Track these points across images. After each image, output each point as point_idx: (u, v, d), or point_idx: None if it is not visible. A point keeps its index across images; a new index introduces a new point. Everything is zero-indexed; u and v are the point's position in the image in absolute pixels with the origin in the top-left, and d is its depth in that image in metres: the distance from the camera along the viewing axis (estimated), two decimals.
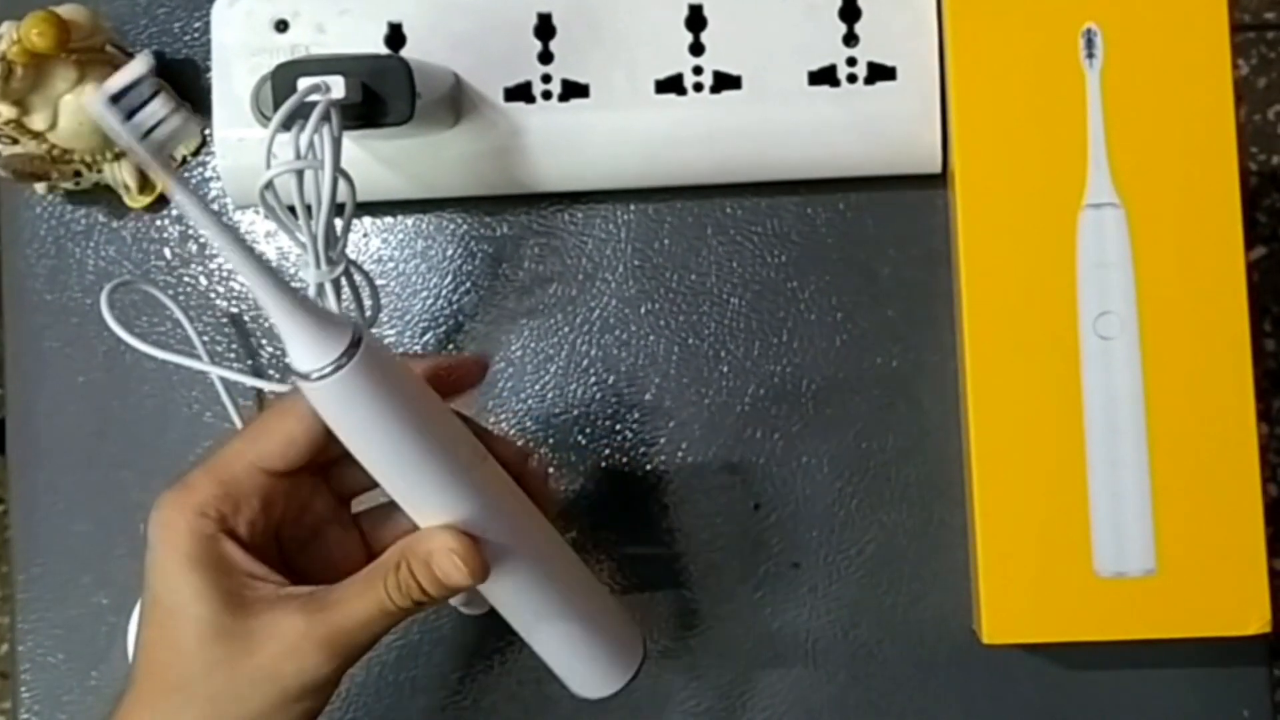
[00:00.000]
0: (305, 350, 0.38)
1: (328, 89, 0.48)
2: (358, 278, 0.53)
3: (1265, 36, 1.37)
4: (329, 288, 0.51)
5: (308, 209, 0.49)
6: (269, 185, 0.47)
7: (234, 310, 0.60)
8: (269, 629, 0.42)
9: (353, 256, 0.57)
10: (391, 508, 0.45)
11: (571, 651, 0.49)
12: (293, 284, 0.39)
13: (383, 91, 0.50)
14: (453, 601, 0.54)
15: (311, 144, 0.47)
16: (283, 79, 0.49)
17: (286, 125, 0.47)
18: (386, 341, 0.59)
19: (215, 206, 0.60)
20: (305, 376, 0.38)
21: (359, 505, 0.48)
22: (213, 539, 0.43)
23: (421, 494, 0.42)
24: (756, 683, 0.57)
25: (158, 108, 0.39)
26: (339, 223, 0.51)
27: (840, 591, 0.57)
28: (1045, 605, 0.50)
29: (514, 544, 0.44)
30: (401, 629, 0.58)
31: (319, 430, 0.42)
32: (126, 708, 0.44)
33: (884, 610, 0.56)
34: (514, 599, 0.47)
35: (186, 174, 0.60)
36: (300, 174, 0.48)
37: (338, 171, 0.48)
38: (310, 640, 0.42)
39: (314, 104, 0.47)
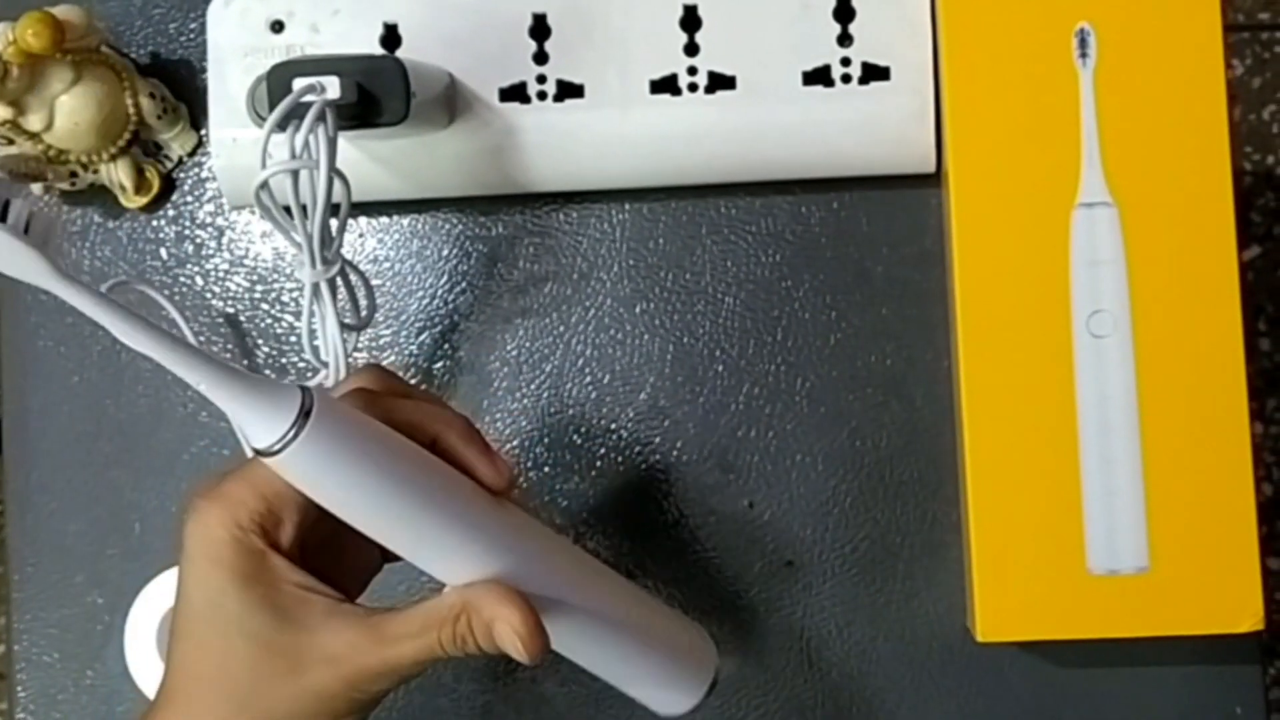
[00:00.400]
0: (258, 426, 0.38)
1: (323, 89, 0.48)
2: (353, 278, 0.54)
3: (1260, 37, 1.37)
4: (324, 287, 0.51)
5: (303, 209, 0.49)
6: (264, 185, 0.47)
7: (229, 310, 0.60)
8: (324, 648, 0.42)
9: (349, 256, 0.57)
10: None
11: (638, 675, 0.48)
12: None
13: (378, 91, 0.50)
14: None
15: (307, 144, 0.47)
16: (278, 79, 0.49)
17: (282, 125, 0.48)
18: (382, 341, 0.59)
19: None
20: (266, 453, 0.38)
21: None
22: (260, 554, 0.42)
23: (431, 553, 0.42)
24: (750, 680, 0.57)
25: (20, 206, 0.38)
26: (334, 223, 0.51)
27: (834, 589, 0.57)
28: (1039, 603, 0.51)
29: (552, 582, 0.44)
30: None
31: None
32: None
33: (878, 608, 0.57)
34: (568, 638, 0.46)
35: (182, 174, 0.60)
36: (295, 174, 0.48)
37: (333, 171, 0.48)
38: (366, 670, 0.42)
39: (309, 104, 0.47)
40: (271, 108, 0.47)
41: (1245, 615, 0.50)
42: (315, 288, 0.51)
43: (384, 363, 0.59)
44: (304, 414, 0.38)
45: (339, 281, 0.52)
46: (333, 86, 0.48)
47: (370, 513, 0.41)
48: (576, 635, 0.46)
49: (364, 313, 0.55)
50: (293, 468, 0.39)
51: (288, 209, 0.49)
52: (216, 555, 0.41)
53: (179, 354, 0.38)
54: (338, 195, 0.50)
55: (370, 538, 0.42)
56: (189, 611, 0.42)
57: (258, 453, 0.39)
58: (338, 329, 0.52)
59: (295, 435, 0.38)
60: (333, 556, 0.45)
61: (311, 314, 0.52)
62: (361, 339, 0.59)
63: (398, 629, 0.42)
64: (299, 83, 0.48)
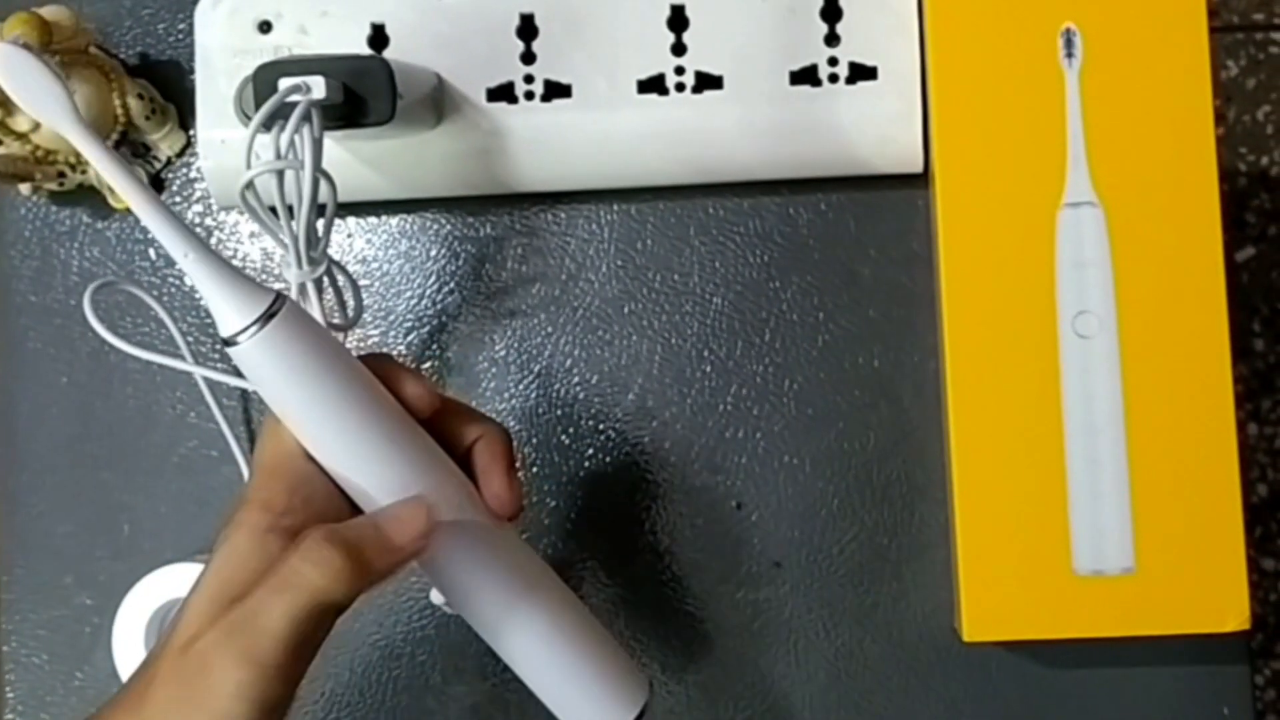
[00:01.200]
0: (229, 313, 0.40)
1: (308, 89, 0.48)
2: (340, 278, 0.54)
3: (1254, 37, 1.37)
4: (310, 287, 0.51)
5: (289, 209, 0.49)
6: (250, 185, 0.47)
7: None
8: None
9: (336, 257, 0.57)
10: None
11: (568, 686, 0.47)
12: (227, 256, 0.41)
13: (364, 92, 0.50)
14: (435, 600, 0.55)
15: (292, 144, 0.47)
16: (264, 80, 0.49)
17: (267, 126, 0.47)
18: (370, 342, 0.59)
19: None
20: (230, 342, 0.40)
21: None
22: (273, 534, 0.42)
23: (356, 467, 0.42)
24: (738, 681, 0.57)
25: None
26: (321, 223, 0.51)
27: (822, 590, 0.57)
28: (1025, 603, 0.51)
29: (476, 544, 0.44)
30: (384, 629, 0.58)
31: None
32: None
33: (865, 609, 0.57)
34: (493, 622, 0.45)
35: (171, 174, 0.60)
36: (281, 174, 0.48)
37: (319, 172, 0.48)
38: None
39: (295, 104, 0.47)
40: (257, 108, 0.47)
41: (1231, 615, 0.50)
42: (301, 288, 0.51)
43: None
44: (269, 314, 0.40)
45: (325, 282, 0.52)
46: (318, 86, 0.48)
47: (310, 416, 0.42)
48: (513, 634, 0.45)
49: (351, 313, 0.55)
50: (250, 359, 0.41)
51: (274, 209, 0.49)
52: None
53: (172, 227, 0.40)
54: (324, 196, 0.49)
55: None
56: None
57: (225, 343, 0.40)
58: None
59: (261, 326, 0.40)
60: None
61: None
62: (349, 339, 0.59)
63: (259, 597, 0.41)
64: (284, 83, 0.48)
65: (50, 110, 0.39)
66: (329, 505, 0.43)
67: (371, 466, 0.42)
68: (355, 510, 0.44)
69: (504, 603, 0.45)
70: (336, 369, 0.42)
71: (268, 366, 0.41)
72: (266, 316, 0.40)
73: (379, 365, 0.44)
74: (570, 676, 0.46)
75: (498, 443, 0.46)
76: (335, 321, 0.54)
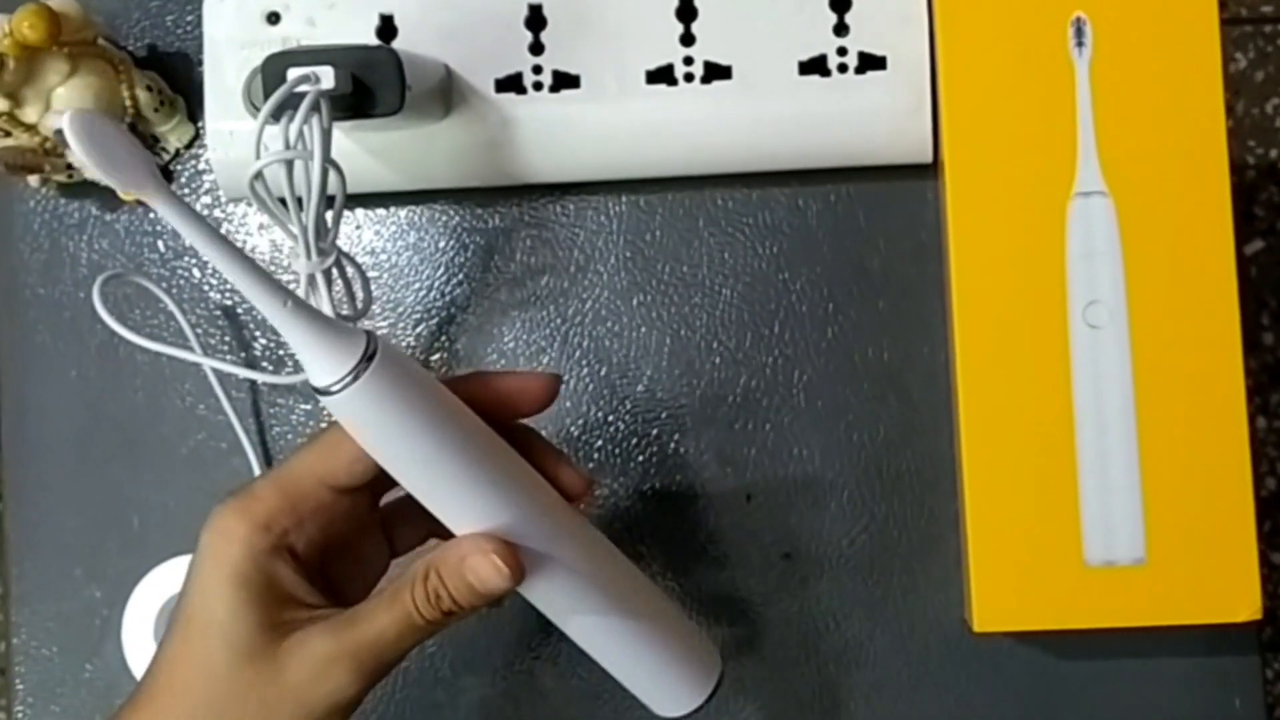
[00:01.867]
0: (322, 363, 0.39)
1: (317, 80, 0.48)
2: (349, 269, 0.54)
3: (1263, 30, 1.36)
4: (320, 278, 0.51)
5: (298, 200, 0.49)
6: (258, 176, 0.47)
7: (227, 303, 0.60)
8: (298, 650, 0.42)
9: (345, 248, 0.57)
10: (416, 518, 0.45)
11: (641, 667, 0.48)
12: (296, 292, 0.40)
13: (372, 82, 0.50)
14: None
15: (301, 135, 0.47)
16: (272, 70, 0.49)
17: (276, 117, 0.47)
18: (380, 333, 0.58)
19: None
20: (325, 391, 0.39)
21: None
22: (266, 556, 0.42)
23: (455, 501, 0.42)
24: (748, 673, 0.57)
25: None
26: (330, 214, 0.51)
27: (832, 582, 0.57)
28: (1035, 594, 0.50)
29: (564, 552, 0.44)
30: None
31: None
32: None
33: (875, 601, 0.56)
34: (571, 611, 0.46)
35: (179, 166, 0.60)
36: (290, 165, 0.48)
37: (328, 162, 0.48)
38: (338, 663, 0.42)
39: (303, 95, 0.47)
40: (266, 99, 0.47)
41: (1243, 605, 0.50)
42: (310, 279, 0.51)
43: None
44: (369, 354, 0.39)
45: (334, 273, 0.52)
46: (327, 77, 0.48)
47: (412, 462, 0.41)
48: (590, 620, 0.46)
49: (360, 304, 0.55)
50: (348, 408, 0.39)
51: (283, 201, 0.49)
52: (224, 555, 0.42)
53: (260, 284, 0.38)
54: (333, 186, 0.50)
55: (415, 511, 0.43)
56: (183, 613, 0.43)
57: (318, 392, 0.39)
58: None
59: (357, 376, 0.39)
60: (346, 558, 0.46)
61: None
62: None
63: (368, 610, 0.43)
64: (293, 73, 0.48)
65: (134, 178, 0.36)
66: (328, 539, 0.44)
67: (463, 499, 0.42)
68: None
69: (583, 596, 0.45)
70: (431, 405, 0.41)
71: (368, 412, 0.40)
72: (366, 360, 0.39)
73: (466, 387, 0.44)
74: (647, 658, 0.47)
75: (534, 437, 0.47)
76: (344, 313, 0.54)
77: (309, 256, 0.50)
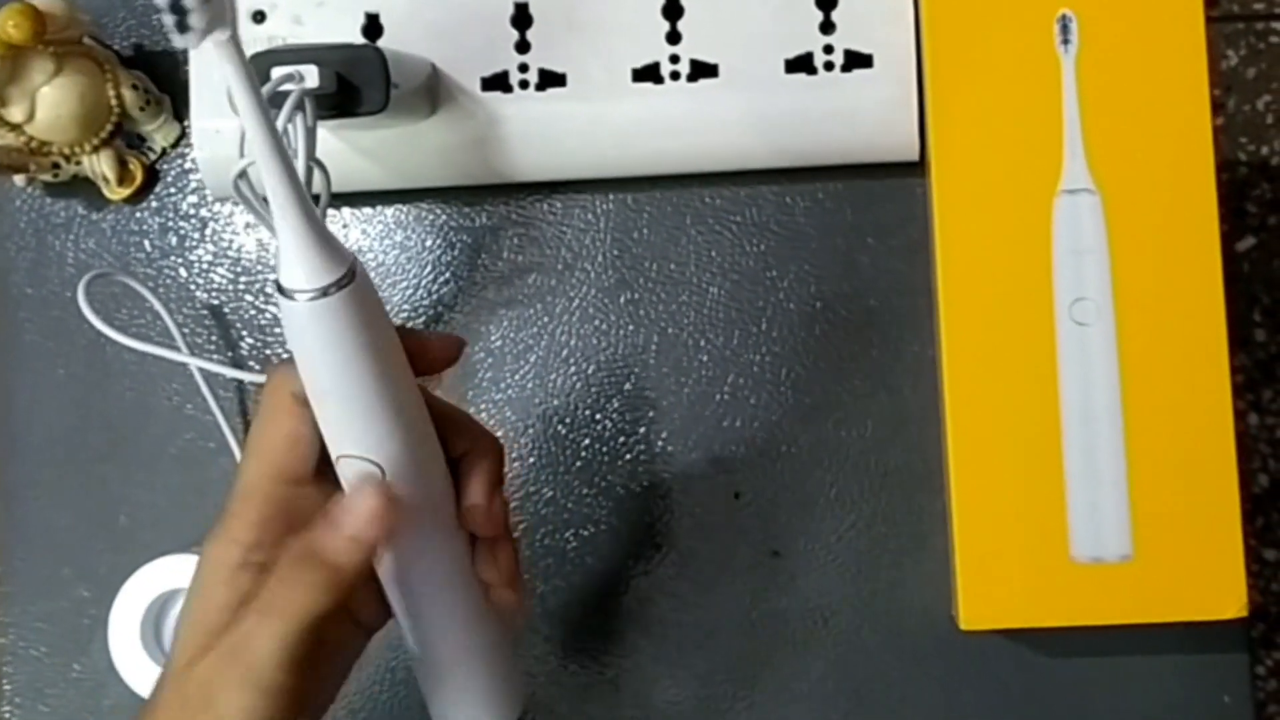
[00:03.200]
0: (305, 267, 0.38)
1: (301, 78, 0.48)
2: None
3: (1254, 27, 1.36)
4: None
5: None
6: (242, 175, 0.47)
7: (213, 302, 0.60)
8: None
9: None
10: None
11: (458, 676, 0.47)
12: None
13: (357, 81, 0.50)
14: None
15: (285, 133, 0.47)
16: (257, 69, 0.48)
17: None
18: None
19: (207, 222, 0.60)
20: (292, 294, 0.38)
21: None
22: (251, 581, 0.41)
23: (354, 434, 0.41)
24: (737, 671, 0.57)
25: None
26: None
27: (820, 579, 0.57)
28: (1023, 591, 0.50)
29: (430, 523, 0.44)
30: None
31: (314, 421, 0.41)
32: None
33: (864, 598, 0.56)
34: (416, 592, 0.45)
35: (166, 165, 0.60)
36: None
37: (312, 161, 0.48)
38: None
39: (288, 93, 0.47)
40: None
41: (1230, 602, 0.50)
42: None
43: None
44: (348, 275, 0.38)
45: None
46: (311, 75, 0.48)
47: (337, 385, 0.40)
48: (431, 611, 0.45)
49: None
50: (308, 318, 0.39)
51: (267, 200, 0.49)
52: (232, 587, 0.41)
53: (281, 169, 0.37)
54: (317, 185, 0.49)
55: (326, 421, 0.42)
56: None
57: (284, 292, 0.39)
58: None
59: (328, 293, 0.38)
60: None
61: None
62: None
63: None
64: (277, 72, 0.47)
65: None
66: (286, 534, 0.42)
67: (374, 448, 0.41)
68: None
69: (433, 579, 0.45)
70: (378, 351, 0.40)
71: (314, 333, 0.39)
72: (337, 285, 0.38)
73: (410, 339, 0.43)
74: (466, 668, 0.46)
75: (486, 457, 0.45)
76: None
77: None
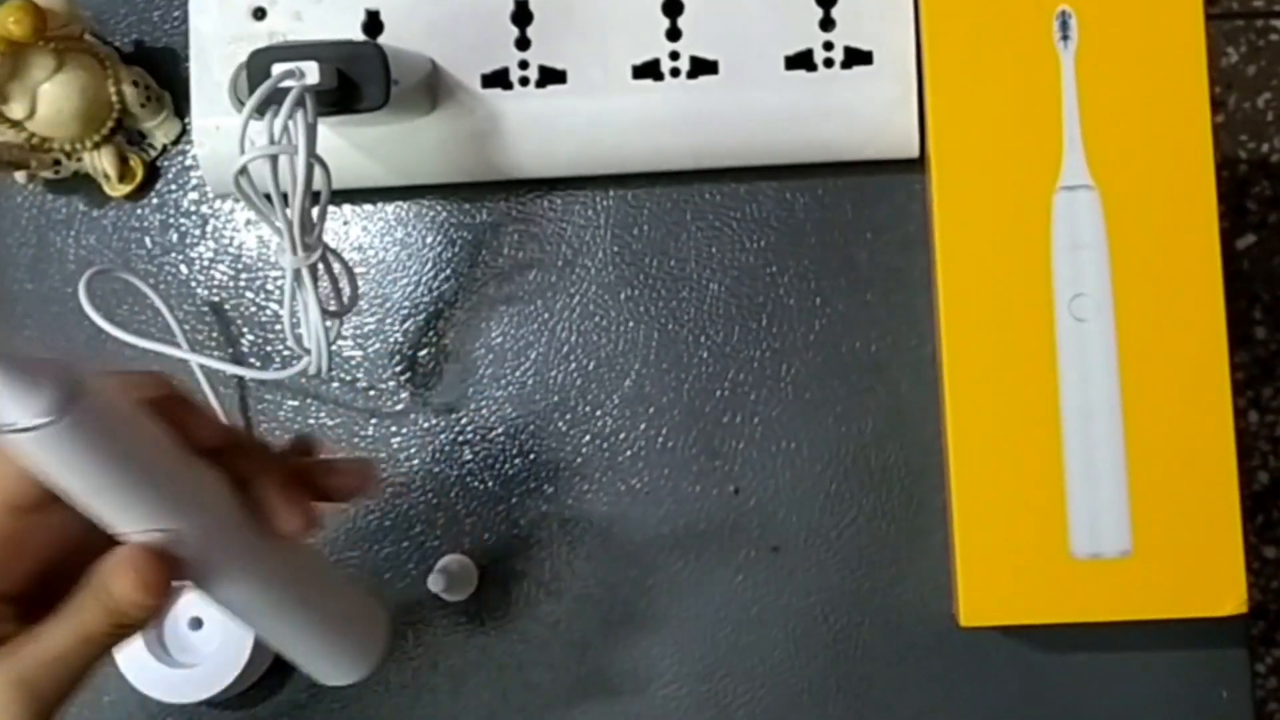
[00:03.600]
0: (15, 401, 0.34)
1: (302, 74, 0.48)
2: (335, 265, 0.54)
3: (1254, 24, 1.37)
4: (305, 274, 0.51)
5: (284, 196, 0.49)
6: (244, 171, 0.47)
7: (214, 299, 0.60)
8: None
9: (332, 244, 0.57)
10: None
11: (309, 646, 0.45)
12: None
13: (358, 77, 0.50)
14: (433, 588, 0.55)
15: (286, 129, 0.47)
16: (257, 65, 0.49)
17: (261, 112, 0.47)
18: (367, 329, 0.59)
19: (195, 195, 0.60)
20: (11, 429, 0.34)
21: None
22: None
23: (125, 522, 0.38)
24: (736, 666, 0.57)
25: None
26: (316, 210, 0.51)
27: (819, 575, 0.57)
28: (1022, 587, 0.51)
29: (226, 551, 0.41)
30: None
31: None
32: None
33: (863, 593, 0.57)
34: (244, 608, 0.43)
35: (166, 162, 0.60)
36: (275, 160, 0.48)
37: (312, 157, 0.48)
38: (7, 690, 0.38)
39: (289, 90, 0.47)
40: (251, 94, 0.47)
41: (1229, 598, 0.50)
42: (296, 274, 0.51)
43: (368, 350, 0.59)
44: (66, 401, 0.34)
45: (321, 268, 0.52)
46: (311, 72, 0.48)
47: (95, 501, 0.37)
48: (263, 613, 0.43)
49: (346, 300, 0.55)
50: (40, 447, 0.35)
51: (269, 196, 0.49)
52: None
53: None
54: (318, 182, 0.49)
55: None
56: None
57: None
58: (319, 316, 0.52)
59: (58, 418, 0.34)
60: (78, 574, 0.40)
61: (294, 301, 0.52)
62: (346, 327, 0.59)
63: (40, 630, 0.39)
64: (278, 68, 0.48)
65: None
66: (42, 562, 0.40)
67: (142, 525, 0.38)
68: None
69: (252, 593, 0.42)
70: (124, 454, 0.36)
71: (57, 455, 0.35)
72: (65, 404, 0.34)
73: (170, 406, 0.39)
74: (316, 636, 0.45)
75: (267, 471, 0.41)
76: (331, 308, 0.54)
77: (295, 251, 0.50)
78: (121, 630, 0.39)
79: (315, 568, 0.46)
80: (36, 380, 0.34)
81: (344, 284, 0.54)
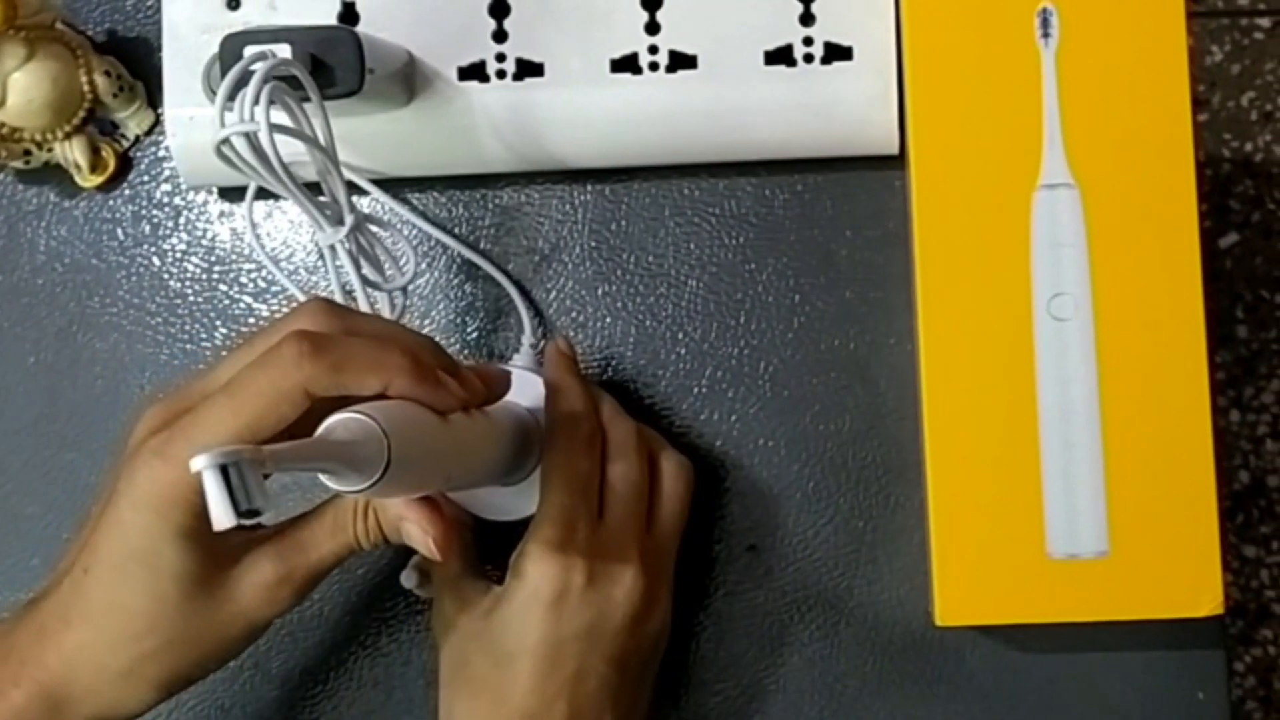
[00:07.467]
0: (355, 476, 0.38)
1: (274, 57, 0.47)
2: (382, 240, 0.54)
3: (1239, 23, 1.37)
4: (340, 249, 0.51)
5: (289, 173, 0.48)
6: (225, 141, 0.46)
7: (187, 291, 0.59)
8: (249, 576, 0.45)
9: (308, 239, 0.57)
10: None
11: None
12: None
13: (331, 61, 0.49)
14: (406, 584, 0.54)
15: (265, 108, 0.46)
16: (230, 50, 0.48)
17: (233, 96, 0.46)
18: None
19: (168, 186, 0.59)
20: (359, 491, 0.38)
21: None
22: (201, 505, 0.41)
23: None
24: (712, 665, 0.56)
25: None
26: (340, 188, 0.50)
27: (796, 574, 0.56)
28: (998, 587, 0.50)
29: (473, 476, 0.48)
30: (361, 620, 0.57)
31: (304, 390, 0.40)
32: (75, 648, 0.44)
33: (840, 592, 0.56)
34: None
35: (139, 153, 0.60)
36: (250, 138, 0.46)
37: (313, 144, 0.48)
38: (285, 584, 0.45)
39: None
40: (224, 78, 0.47)
41: (1205, 599, 0.50)
42: (331, 250, 0.51)
43: None
44: (388, 462, 0.38)
45: (367, 242, 0.52)
46: (284, 51, 0.47)
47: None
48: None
49: (405, 273, 0.55)
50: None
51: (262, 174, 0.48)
52: (163, 508, 0.42)
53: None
54: (319, 162, 0.49)
55: None
56: (120, 548, 0.43)
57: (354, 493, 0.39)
58: (361, 289, 0.53)
59: (382, 476, 0.38)
60: None
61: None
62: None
63: (311, 536, 0.46)
64: (250, 50, 0.47)
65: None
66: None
67: None
68: None
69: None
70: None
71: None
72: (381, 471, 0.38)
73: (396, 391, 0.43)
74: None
75: (409, 372, 0.43)
76: (389, 285, 0.54)
77: (322, 228, 0.50)
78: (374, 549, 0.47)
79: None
80: (359, 456, 0.38)
81: (406, 251, 0.56)
